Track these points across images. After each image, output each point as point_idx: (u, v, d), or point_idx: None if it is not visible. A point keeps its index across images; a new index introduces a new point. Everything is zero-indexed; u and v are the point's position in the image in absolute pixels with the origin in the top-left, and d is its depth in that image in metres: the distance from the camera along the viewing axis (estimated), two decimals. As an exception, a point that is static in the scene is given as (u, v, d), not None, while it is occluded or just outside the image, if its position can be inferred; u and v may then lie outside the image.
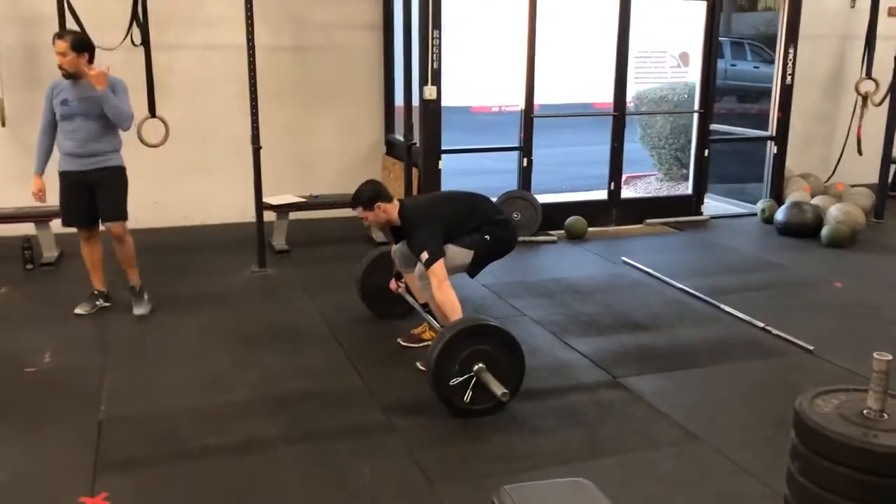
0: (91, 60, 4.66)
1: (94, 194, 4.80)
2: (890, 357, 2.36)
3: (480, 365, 3.56)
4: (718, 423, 3.64)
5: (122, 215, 4.88)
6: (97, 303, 5.01)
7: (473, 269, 4.32)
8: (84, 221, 4.90)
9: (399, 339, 4.51)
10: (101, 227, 4.96)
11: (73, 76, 4.64)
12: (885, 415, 2.38)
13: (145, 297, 5.04)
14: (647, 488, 3.03)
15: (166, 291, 5.40)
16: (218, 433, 3.51)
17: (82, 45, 4.64)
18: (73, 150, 4.68)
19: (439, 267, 3.97)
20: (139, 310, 4.97)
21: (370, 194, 4.21)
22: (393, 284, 4.67)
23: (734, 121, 8.92)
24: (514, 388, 3.65)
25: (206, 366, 4.23)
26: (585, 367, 4.25)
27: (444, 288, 3.95)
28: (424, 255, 3.99)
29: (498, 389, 3.48)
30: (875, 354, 2.38)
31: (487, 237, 4.25)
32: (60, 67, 4.62)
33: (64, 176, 4.80)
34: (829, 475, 2.33)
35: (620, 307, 5.19)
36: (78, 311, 4.92)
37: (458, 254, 4.19)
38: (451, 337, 3.55)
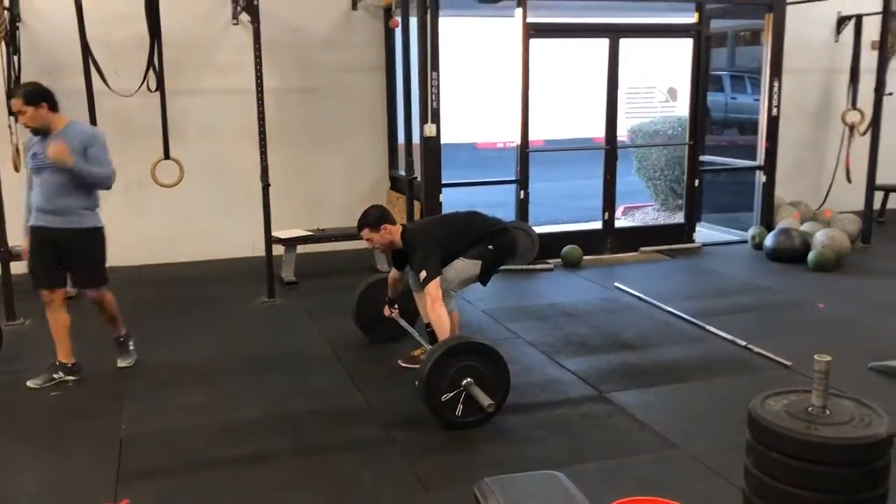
0: (53, 109, 4.39)
1: (60, 254, 4.47)
2: (829, 358, 2.64)
3: (469, 380, 3.84)
4: (696, 432, 3.89)
5: (100, 282, 4.61)
6: (56, 375, 4.53)
7: (484, 278, 4.65)
8: (48, 283, 4.51)
9: (399, 361, 4.80)
10: (72, 292, 4.81)
11: (40, 131, 4.38)
12: (827, 411, 2.65)
13: (130, 346, 4.85)
14: (623, 487, 3.28)
15: (181, 320, 5.73)
16: (230, 446, 3.80)
17: (36, 96, 4.33)
18: (42, 205, 4.38)
19: (434, 286, 4.26)
20: (123, 362, 4.80)
21: (377, 216, 4.53)
22: (386, 310, 4.95)
23: (735, 153, 9.23)
24: (500, 400, 3.92)
25: (219, 387, 4.53)
26: (574, 384, 4.52)
27: (436, 307, 4.25)
28: (423, 274, 4.29)
29: (485, 401, 3.77)
30: (816, 356, 2.65)
31: (490, 246, 4.57)
32: (25, 126, 4.42)
33: (31, 231, 4.50)
34: (777, 466, 2.59)
35: (611, 329, 5.47)
36: (30, 384, 4.45)
37: (468, 266, 4.53)
38: (439, 355, 3.84)
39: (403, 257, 4.65)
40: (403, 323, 4.88)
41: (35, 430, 4.02)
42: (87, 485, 3.46)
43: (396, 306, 4.92)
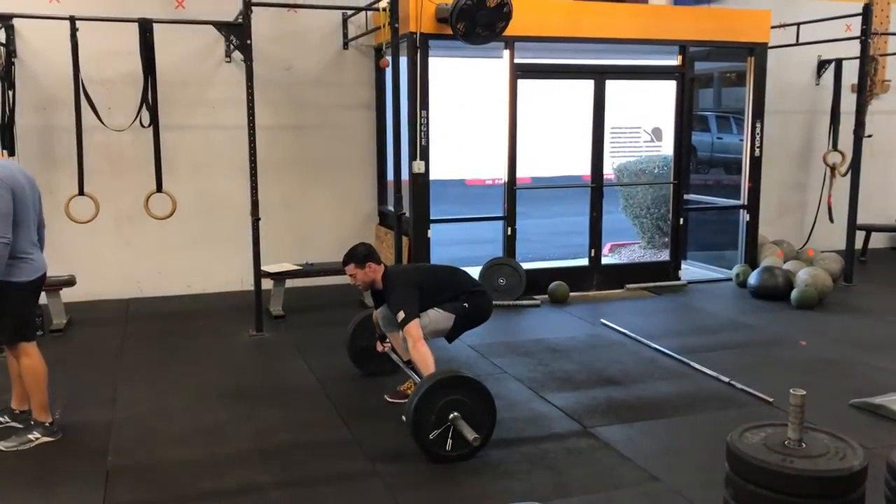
0: None
1: None
2: (804, 392, 2.70)
3: (455, 413, 3.88)
4: (679, 466, 3.93)
5: (8, 340, 4.12)
6: (1, 419, 4.35)
7: (452, 334, 4.73)
8: None
9: (386, 396, 4.83)
10: None
11: None
12: (803, 444, 2.71)
13: (31, 436, 4.13)
14: (606, 521, 3.32)
15: (168, 353, 5.75)
16: (215, 480, 3.80)
17: None
18: None
19: (414, 326, 4.33)
20: (8, 443, 4.09)
21: (365, 253, 4.62)
22: (379, 346, 5.01)
23: (721, 192, 9.38)
24: (486, 434, 3.96)
25: (206, 420, 4.54)
26: (559, 419, 4.55)
27: (419, 347, 4.30)
28: (401, 315, 4.35)
29: (470, 435, 3.80)
30: (791, 391, 2.72)
31: (466, 304, 4.66)
32: None
33: None
34: (755, 498, 2.65)
35: (596, 365, 5.52)
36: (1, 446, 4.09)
37: (442, 318, 4.60)
38: (425, 390, 3.88)
39: (382, 297, 4.72)
40: (395, 357, 4.92)
41: (20, 462, 4.00)
42: (72, 517, 3.46)
43: (388, 341, 4.96)
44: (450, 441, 3.90)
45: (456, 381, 3.98)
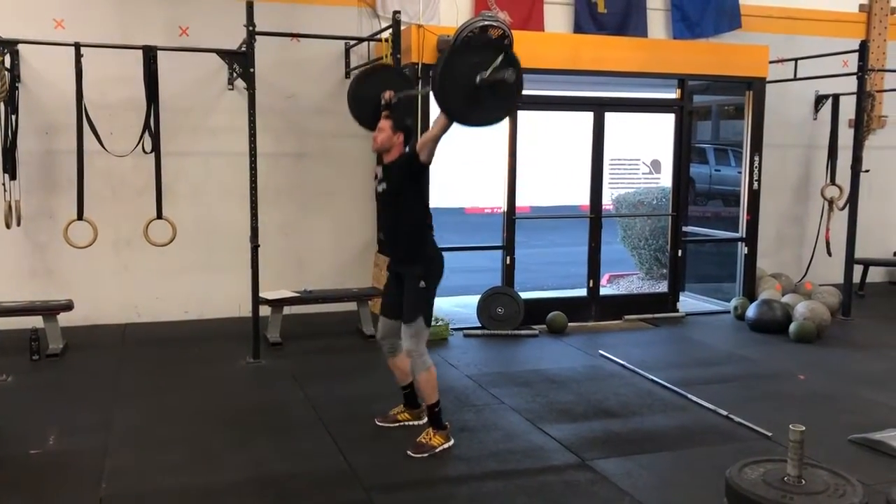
0: None
1: None
2: (803, 428, 2.70)
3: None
4: (677, 500, 3.91)
5: None
6: None
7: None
8: None
9: (377, 420, 4.81)
10: None
11: None
12: (802, 480, 2.70)
13: None
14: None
15: (164, 379, 5.73)
16: (210, 509, 3.77)
17: None
18: None
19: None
20: None
21: (408, 122, 4.61)
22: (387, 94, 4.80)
23: (719, 224, 9.41)
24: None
25: (201, 448, 4.51)
26: (556, 451, 4.52)
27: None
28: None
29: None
30: (791, 426, 2.71)
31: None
32: None
33: None
34: (753, 535, 2.63)
35: (594, 396, 5.49)
36: None
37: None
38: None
39: (386, 171, 4.57)
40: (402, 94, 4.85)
41: (13, 489, 3.97)
42: (64, 545, 3.43)
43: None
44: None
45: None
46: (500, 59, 3.93)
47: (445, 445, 4.44)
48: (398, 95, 4.72)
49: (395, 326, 4.58)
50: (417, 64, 6.78)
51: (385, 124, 4.51)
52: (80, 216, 6.29)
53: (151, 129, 6.33)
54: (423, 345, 4.46)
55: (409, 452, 4.38)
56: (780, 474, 2.72)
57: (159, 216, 6.49)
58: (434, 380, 4.47)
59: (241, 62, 6.25)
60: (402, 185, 4.48)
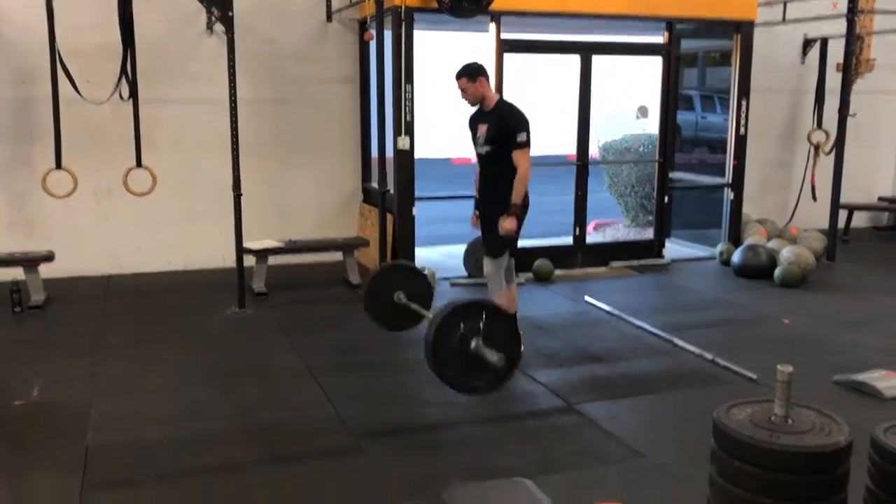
0: None
1: None
2: (791, 369, 2.69)
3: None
4: (663, 442, 3.93)
5: None
6: None
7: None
8: None
9: None
10: None
11: None
12: (789, 420, 2.69)
13: None
14: (591, 496, 3.29)
15: (149, 330, 5.68)
16: (196, 457, 3.76)
17: None
18: None
19: (526, 158, 4.74)
20: None
21: (477, 67, 4.69)
22: (473, 219, 5.21)
23: (705, 170, 9.37)
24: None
25: (187, 398, 4.49)
26: (544, 396, 4.54)
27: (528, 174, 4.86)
28: (521, 137, 4.59)
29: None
30: (778, 366, 2.70)
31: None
32: None
33: None
34: (740, 474, 2.63)
35: (580, 342, 5.51)
36: None
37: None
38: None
39: (484, 119, 4.76)
40: (415, 306, 4.93)
41: (-3, 440, 3.95)
42: (52, 496, 3.41)
43: (425, 269, 5.17)
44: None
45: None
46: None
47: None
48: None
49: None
50: (401, 7, 6.61)
51: (462, 83, 4.68)
52: (58, 165, 6.16)
53: (128, 75, 6.16)
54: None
55: None
56: (767, 414, 2.72)
57: (139, 165, 6.37)
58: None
59: (219, 5, 6.07)
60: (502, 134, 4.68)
